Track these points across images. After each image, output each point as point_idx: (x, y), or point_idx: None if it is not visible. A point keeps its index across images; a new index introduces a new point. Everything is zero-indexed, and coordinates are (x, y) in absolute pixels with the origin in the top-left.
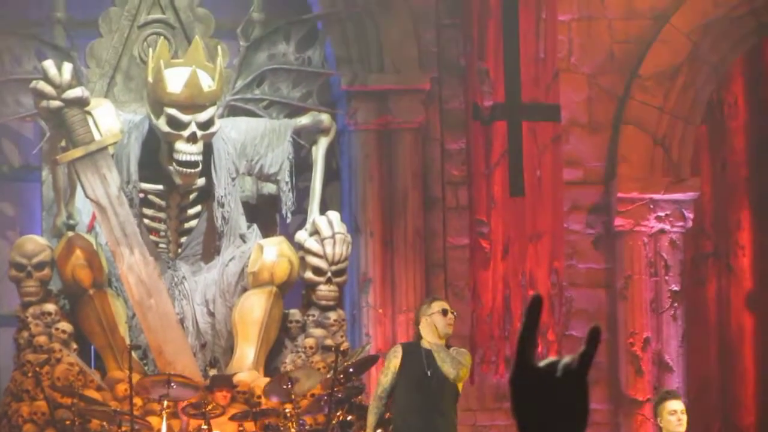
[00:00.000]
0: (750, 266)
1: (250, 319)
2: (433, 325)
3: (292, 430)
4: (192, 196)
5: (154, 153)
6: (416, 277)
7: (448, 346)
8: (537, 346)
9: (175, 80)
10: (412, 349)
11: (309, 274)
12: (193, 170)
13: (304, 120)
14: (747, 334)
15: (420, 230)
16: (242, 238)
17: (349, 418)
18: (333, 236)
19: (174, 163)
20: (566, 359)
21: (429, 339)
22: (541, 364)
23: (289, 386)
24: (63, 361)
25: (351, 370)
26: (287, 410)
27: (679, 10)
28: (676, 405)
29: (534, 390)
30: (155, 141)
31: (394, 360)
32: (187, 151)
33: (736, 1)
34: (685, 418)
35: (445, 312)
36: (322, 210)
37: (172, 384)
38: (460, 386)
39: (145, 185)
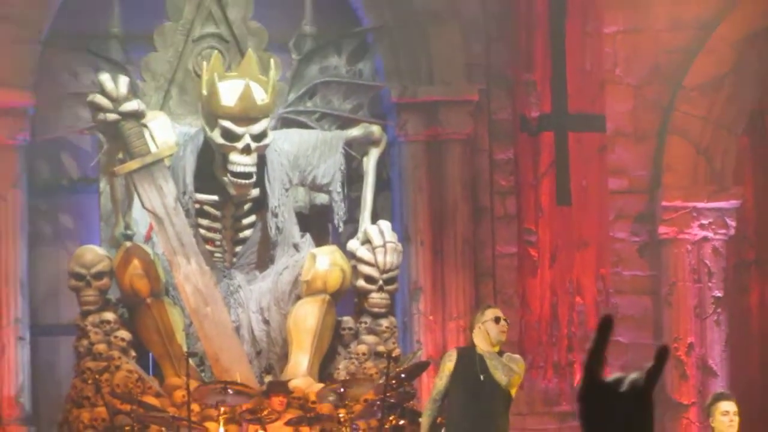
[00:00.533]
0: None
1: (304, 327)
2: (486, 333)
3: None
4: (246, 207)
5: (209, 164)
6: (465, 285)
7: (501, 353)
8: (605, 363)
9: (229, 93)
10: (467, 353)
11: (361, 283)
12: (247, 181)
13: (355, 132)
14: None
15: (469, 239)
16: (296, 247)
17: (401, 422)
18: (384, 245)
19: (228, 175)
20: (633, 375)
21: (482, 346)
22: (608, 379)
23: (343, 392)
24: (122, 368)
25: (402, 375)
26: (341, 415)
27: (725, 20)
28: (729, 406)
29: (601, 405)
30: (210, 153)
31: (449, 363)
32: (242, 162)
33: None
34: (737, 419)
35: (497, 320)
36: (374, 219)
37: (229, 390)
38: (513, 392)
39: (200, 196)
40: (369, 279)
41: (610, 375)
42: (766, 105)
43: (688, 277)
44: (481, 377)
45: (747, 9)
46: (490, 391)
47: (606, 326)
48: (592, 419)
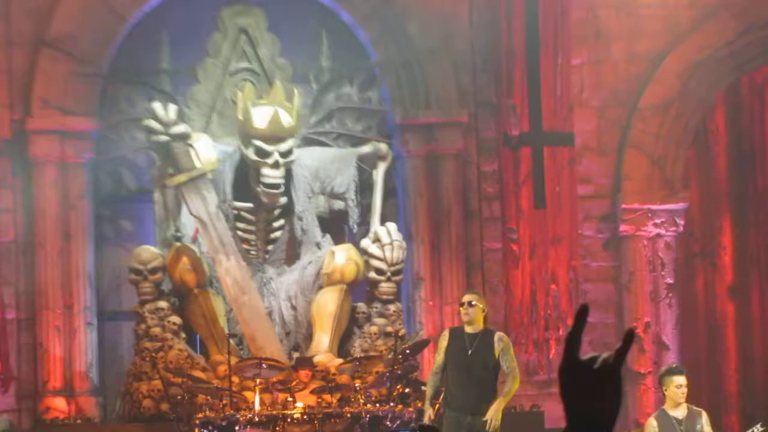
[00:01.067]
0: (731, 263)
1: (325, 312)
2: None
3: (361, 400)
4: (276, 212)
5: (245, 177)
6: (459, 275)
7: (490, 331)
8: (581, 344)
9: (261, 118)
10: (458, 333)
11: (372, 274)
12: (276, 191)
13: (365, 149)
14: (729, 318)
15: (461, 237)
16: (317, 245)
17: (406, 390)
18: (391, 243)
19: (261, 186)
20: (604, 355)
21: (465, 326)
22: (584, 358)
23: (358, 366)
24: (174, 347)
25: (407, 351)
26: (357, 385)
27: (671, 54)
28: (681, 380)
29: (577, 379)
30: (245, 167)
31: (443, 341)
32: (272, 175)
33: (718, 45)
34: (686, 390)
35: (461, 304)
36: (382, 221)
37: (263, 365)
38: (503, 363)
39: (237, 204)
40: (379, 271)
41: (585, 355)
42: (707, 123)
43: (645, 268)
44: (469, 352)
45: (689, 44)
46: (477, 363)
47: (583, 314)
48: (572, 391)
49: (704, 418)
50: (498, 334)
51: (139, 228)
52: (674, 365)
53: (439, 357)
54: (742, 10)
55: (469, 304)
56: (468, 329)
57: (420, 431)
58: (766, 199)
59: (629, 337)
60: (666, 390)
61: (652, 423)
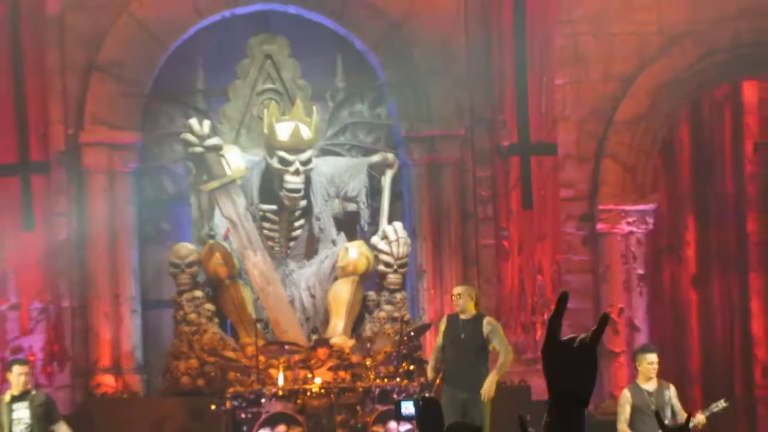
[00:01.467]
0: (694, 256)
1: (340, 300)
2: None
3: (371, 376)
4: (297, 213)
5: (270, 183)
6: (457, 268)
7: (481, 315)
8: (561, 326)
9: (283, 131)
10: (453, 319)
11: (381, 267)
12: (297, 195)
13: (375, 158)
14: (692, 305)
15: (459, 235)
16: (333, 242)
17: (411, 368)
18: (397, 240)
19: (284, 190)
20: (582, 335)
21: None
22: (564, 338)
23: (369, 346)
24: (208, 331)
25: (412, 334)
26: (368, 363)
27: (641, 75)
28: (653, 357)
29: (558, 356)
30: (270, 175)
31: (442, 326)
32: (293, 181)
33: (682, 68)
34: (657, 366)
35: (452, 296)
36: (389, 221)
37: (286, 346)
38: (491, 346)
39: (263, 206)
40: (387, 264)
41: (566, 336)
42: (673, 135)
43: (619, 260)
44: (462, 336)
45: (657, 67)
46: (469, 346)
47: (563, 300)
48: (553, 368)
49: (672, 390)
50: (486, 319)
51: (177, 228)
52: (647, 345)
53: (439, 339)
54: (702, 37)
55: (458, 296)
56: (462, 316)
57: (422, 402)
58: (724, 200)
59: (603, 321)
60: (639, 366)
61: (626, 394)
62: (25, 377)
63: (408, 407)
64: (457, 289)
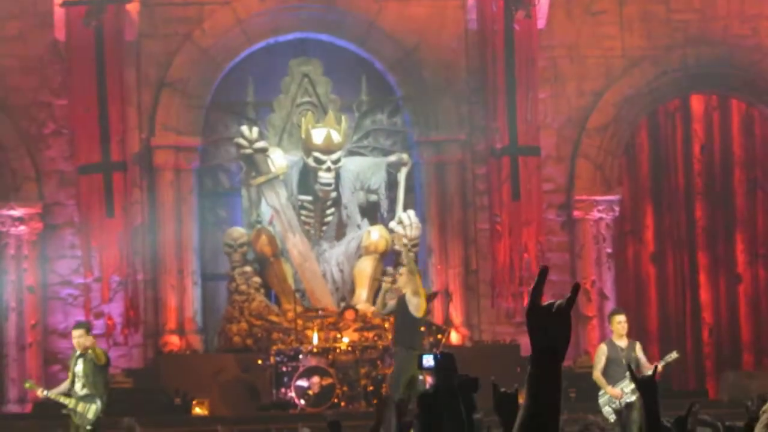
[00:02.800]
0: (652, 238)
1: (364, 274)
2: None
3: (389, 336)
4: (329, 203)
5: (306, 178)
6: (459, 248)
7: (434, 294)
8: (542, 294)
9: (318, 136)
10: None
11: (397, 247)
12: (329, 188)
13: (392, 158)
14: (651, 277)
15: (461, 220)
16: (358, 226)
17: (421, 330)
18: (411, 224)
19: (318, 184)
20: (558, 301)
21: None
22: (545, 304)
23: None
24: (256, 299)
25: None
26: (386, 325)
27: (608, 90)
28: (622, 318)
29: (539, 319)
30: (307, 171)
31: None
32: (326, 177)
33: (642, 84)
34: (626, 325)
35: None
36: (404, 209)
37: (319, 311)
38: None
39: (301, 197)
40: (402, 244)
41: (546, 301)
42: (634, 139)
43: (591, 241)
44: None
45: (622, 84)
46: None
47: (543, 273)
48: (535, 329)
49: (638, 346)
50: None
51: (231, 215)
52: (617, 308)
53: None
54: (658, 60)
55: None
56: None
57: (440, 356)
58: (676, 192)
59: (575, 290)
60: (611, 325)
61: (602, 347)
62: (79, 339)
63: (428, 360)
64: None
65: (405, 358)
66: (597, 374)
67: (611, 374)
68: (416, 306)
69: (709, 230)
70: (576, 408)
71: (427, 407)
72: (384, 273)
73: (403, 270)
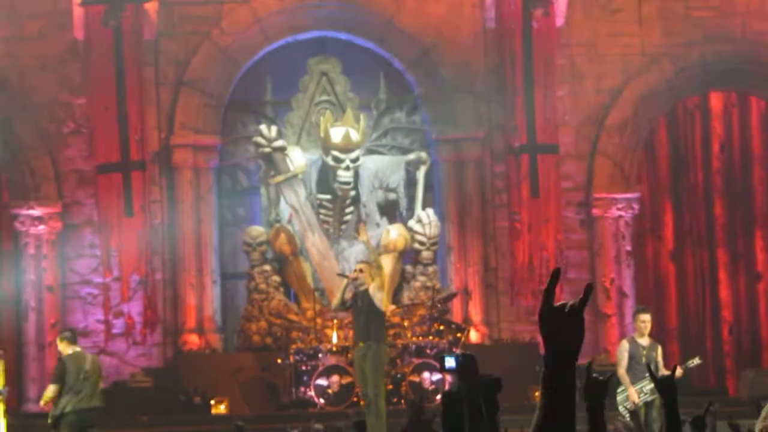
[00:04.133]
0: (671, 236)
1: (383, 272)
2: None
3: (409, 335)
4: (347, 201)
5: (325, 177)
6: (478, 245)
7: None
8: (555, 295)
9: (337, 135)
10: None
11: (416, 245)
12: (348, 187)
13: (411, 156)
14: (670, 275)
15: (480, 218)
16: (377, 225)
17: (441, 327)
18: (430, 222)
19: (337, 183)
20: (571, 302)
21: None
22: (557, 304)
23: (406, 309)
24: (275, 298)
25: (442, 300)
26: (405, 323)
27: (627, 87)
28: (646, 317)
29: (552, 319)
30: (326, 170)
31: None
32: (344, 175)
33: (660, 81)
34: (649, 324)
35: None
36: (423, 207)
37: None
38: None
39: (320, 195)
40: (421, 243)
41: (560, 301)
42: (653, 136)
43: (610, 239)
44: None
45: (640, 81)
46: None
47: (556, 275)
48: (548, 329)
49: (659, 350)
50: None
51: (250, 213)
52: (642, 306)
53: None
54: (677, 57)
55: (360, 271)
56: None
57: (461, 357)
58: (695, 189)
59: (588, 290)
60: (635, 323)
61: (624, 344)
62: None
63: (450, 361)
64: (359, 266)
65: (380, 353)
66: (622, 371)
67: (631, 371)
68: (380, 300)
69: (729, 228)
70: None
71: (450, 407)
72: (403, 271)
73: (362, 265)
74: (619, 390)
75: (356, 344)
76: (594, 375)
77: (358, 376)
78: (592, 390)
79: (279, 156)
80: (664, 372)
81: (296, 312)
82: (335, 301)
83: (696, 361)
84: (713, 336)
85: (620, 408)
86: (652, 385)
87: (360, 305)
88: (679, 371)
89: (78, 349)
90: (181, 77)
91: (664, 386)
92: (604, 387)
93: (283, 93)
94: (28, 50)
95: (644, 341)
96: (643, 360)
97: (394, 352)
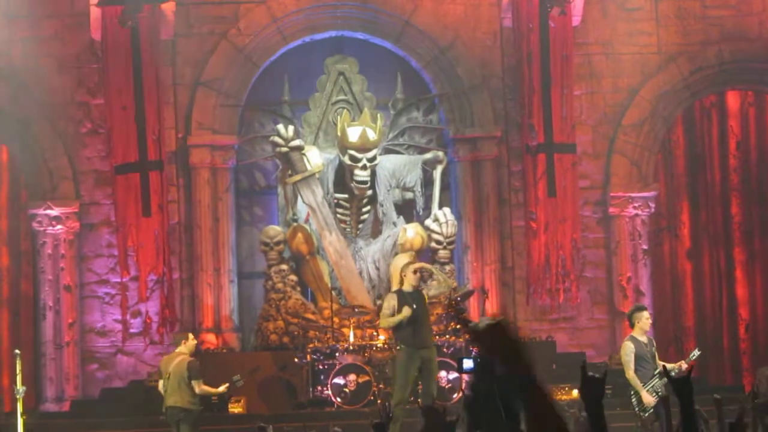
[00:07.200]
0: (688, 234)
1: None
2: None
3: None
4: (364, 201)
5: (342, 176)
6: (495, 244)
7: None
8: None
9: (353, 134)
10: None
11: (433, 244)
12: (365, 186)
13: (428, 155)
14: (687, 273)
15: (497, 217)
16: (394, 224)
17: (458, 326)
18: (447, 222)
19: (353, 182)
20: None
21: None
22: (473, 330)
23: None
24: (292, 297)
25: (459, 298)
26: None
27: (644, 87)
28: (647, 314)
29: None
30: (343, 169)
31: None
32: (361, 175)
33: (677, 80)
34: (650, 320)
35: (414, 271)
36: (440, 207)
37: (355, 309)
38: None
39: (337, 195)
40: (438, 242)
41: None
42: (670, 135)
43: (627, 238)
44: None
45: (657, 80)
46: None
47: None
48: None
49: (653, 343)
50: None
51: (267, 213)
52: (641, 304)
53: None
54: (694, 56)
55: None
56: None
57: (480, 359)
58: (712, 188)
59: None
60: (638, 322)
61: (630, 345)
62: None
63: (468, 363)
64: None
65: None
66: (632, 374)
67: (639, 372)
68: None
69: (746, 226)
70: (614, 404)
71: (469, 409)
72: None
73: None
74: (631, 393)
75: (415, 349)
76: (589, 374)
77: (402, 381)
78: (589, 389)
79: (296, 155)
80: (658, 363)
81: (313, 311)
82: (394, 318)
83: (696, 352)
84: (730, 334)
85: (636, 410)
86: (662, 380)
87: (418, 310)
88: (684, 365)
89: (177, 350)
90: (199, 77)
91: (680, 386)
92: (602, 385)
93: (300, 93)
94: (45, 51)
95: (644, 338)
96: (648, 356)
97: None
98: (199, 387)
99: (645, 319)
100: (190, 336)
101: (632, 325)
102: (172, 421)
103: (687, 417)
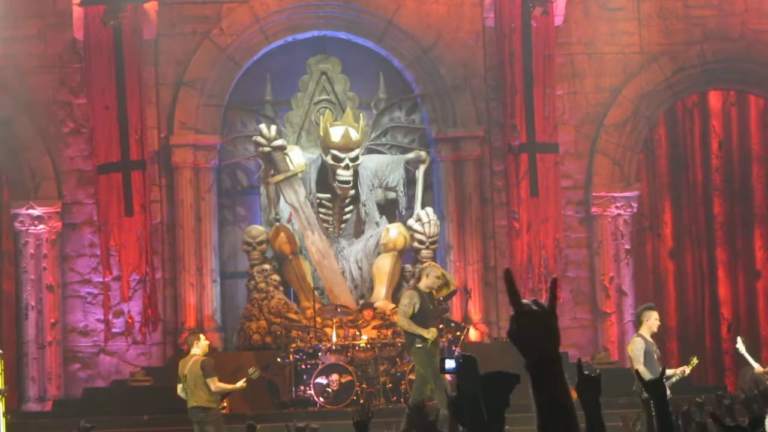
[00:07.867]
0: (671, 234)
1: (383, 271)
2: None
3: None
4: (347, 200)
5: (325, 176)
6: (477, 244)
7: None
8: (521, 302)
9: (336, 134)
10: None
11: (416, 244)
12: (347, 186)
13: (410, 155)
14: (670, 273)
15: (479, 217)
16: (377, 224)
17: (440, 326)
18: (429, 221)
19: (336, 182)
20: (533, 301)
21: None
22: (527, 309)
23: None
24: (275, 297)
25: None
26: None
27: (626, 87)
28: (656, 314)
29: (525, 324)
30: (325, 169)
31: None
32: (344, 174)
33: (659, 80)
34: (659, 321)
35: (437, 277)
36: (422, 206)
37: (338, 309)
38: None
39: (320, 195)
40: (420, 242)
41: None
42: (653, 135)
43: (609, 237)
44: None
45: (639, 80)
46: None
47: (509, 279)
48: (523, 335)
49: (656, 345)
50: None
51: (249, 213)
52: (651, 304)
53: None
54: (676, 55)
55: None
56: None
57: (462, 359)
58: (694, 188)
59: (553, 285)
60: (647, 320)
61: (639, 341)
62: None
63: (450, 363)
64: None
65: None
66: (643, 368)
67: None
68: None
69: (728, 226)
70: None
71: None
72: (403, 270)
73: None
74: (634, 389)
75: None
76: (586, 372)
77: (435, 378)
78: (586, 387)
79: (279, 155)
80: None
81: (296, 311)
82: (415, 328)
83: (695, 360)
84: (712, 334)
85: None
86: (668, 381)
87: (431, 307)
88: (687, 371)
89: (191, 352)
90: (181, 77)
91: (653, 387)
92: (598, 383)
93: (282, 92)
94: (27, 50)
95: (650, 338)
96: (654, 356)
97: (394, 351)
98: (215, 384)
99: (654, 318)
100: (202, 336)
101: (640, 324)
102: (195, 423)
103: (661, 417)
